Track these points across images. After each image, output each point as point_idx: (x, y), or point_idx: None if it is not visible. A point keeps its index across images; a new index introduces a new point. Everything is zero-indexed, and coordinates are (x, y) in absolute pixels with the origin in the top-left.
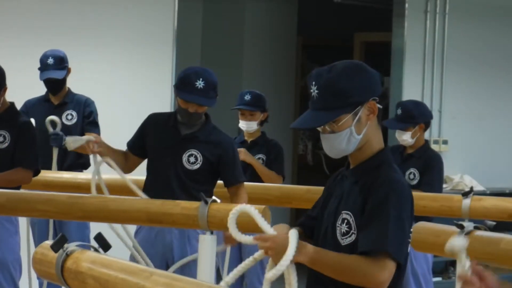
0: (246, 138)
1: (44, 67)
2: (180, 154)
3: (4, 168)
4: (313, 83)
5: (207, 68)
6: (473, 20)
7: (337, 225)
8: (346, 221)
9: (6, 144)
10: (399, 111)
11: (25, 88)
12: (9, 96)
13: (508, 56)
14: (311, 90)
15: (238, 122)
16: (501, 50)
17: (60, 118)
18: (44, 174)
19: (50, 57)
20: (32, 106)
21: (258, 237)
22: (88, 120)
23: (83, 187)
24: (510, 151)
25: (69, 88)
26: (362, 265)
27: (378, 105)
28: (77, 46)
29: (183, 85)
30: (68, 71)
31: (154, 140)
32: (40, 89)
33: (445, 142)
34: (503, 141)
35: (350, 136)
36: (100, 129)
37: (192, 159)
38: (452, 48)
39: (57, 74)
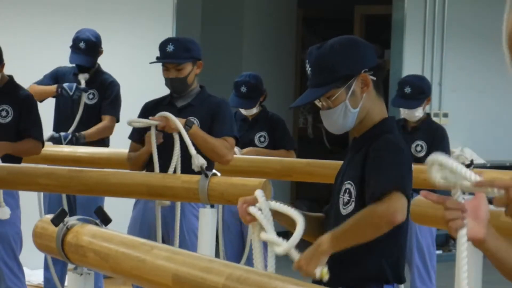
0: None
1: (75, 49)
2: None
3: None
4: (307, 61)
5: (184, 37)
6: None
7: (340, 196)
8: (347, 190)
9: (10, 119)
10: (407, 90)
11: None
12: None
13: None
14: (307, 69)
15: None
16: (501, 23)
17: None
18: (45, 148)
19: (83, 42)
20: (63, 75)
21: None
22: (106, 102)
23: (84, 161)
24: (510, 124)
25: (98, 66)
26: (372, 209)
27: (371, 77)
28: (75, 20)
29: (158, 54)
30: (99, 53)
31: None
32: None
33: (445, 115)
34: (504, 114)
35: (345, 111)
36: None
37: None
38: (452, 21)
39: (86, 61)
